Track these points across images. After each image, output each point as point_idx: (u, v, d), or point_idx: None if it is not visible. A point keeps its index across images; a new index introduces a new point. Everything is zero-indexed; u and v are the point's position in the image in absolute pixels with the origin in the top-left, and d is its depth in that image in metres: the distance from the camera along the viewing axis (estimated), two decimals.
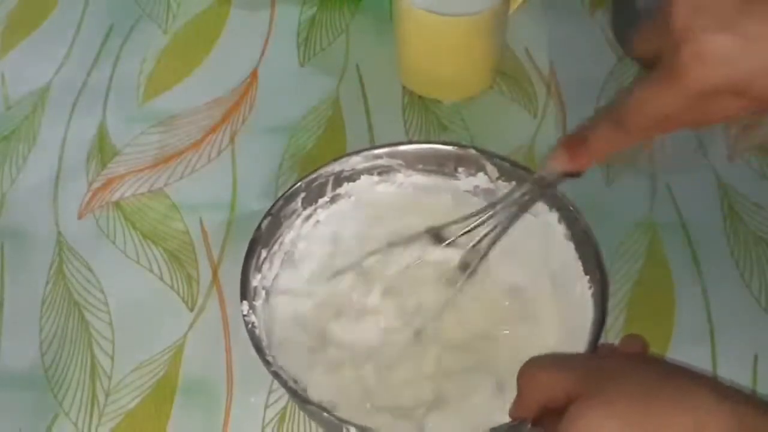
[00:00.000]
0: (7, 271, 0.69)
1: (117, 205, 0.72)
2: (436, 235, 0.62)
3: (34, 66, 0.83)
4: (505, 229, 0.58)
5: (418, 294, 0.61)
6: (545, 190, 0.57)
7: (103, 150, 0.76)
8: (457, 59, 0.76)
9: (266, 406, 0.61)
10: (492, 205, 0.59)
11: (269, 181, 0.73)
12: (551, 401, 0.41)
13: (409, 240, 0.62)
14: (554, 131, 0.76)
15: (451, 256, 0.61)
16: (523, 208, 0.58)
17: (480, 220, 0.59)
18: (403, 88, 0.79)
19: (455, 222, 0.61)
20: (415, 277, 0.62)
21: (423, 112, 0.78)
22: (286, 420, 0.61)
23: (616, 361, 0.44)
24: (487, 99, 0.79)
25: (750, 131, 0.75)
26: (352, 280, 0.62)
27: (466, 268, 0.60)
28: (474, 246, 0.60)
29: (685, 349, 0.62)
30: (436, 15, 0.73)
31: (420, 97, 0.79)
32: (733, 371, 0.61)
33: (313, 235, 0.64)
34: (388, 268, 0.62)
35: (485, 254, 0.59)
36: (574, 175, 0.53)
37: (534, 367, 0.44)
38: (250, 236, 0.60)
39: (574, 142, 0.51)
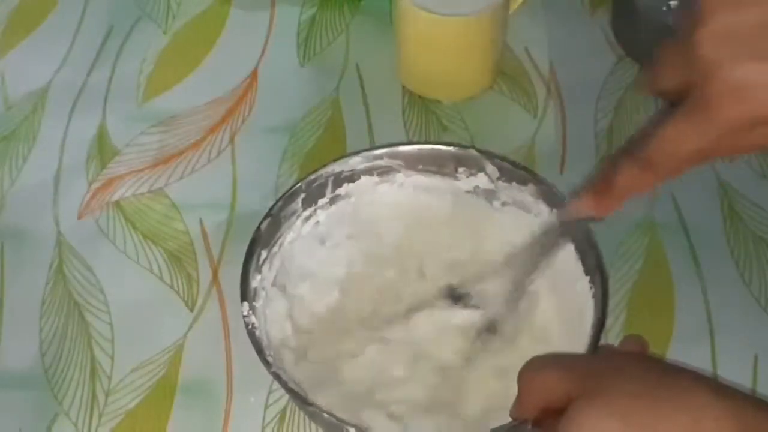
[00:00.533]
0: (7, 271, 0.69)
1: (117, 205, 0.72)
2: (454, 295, 0.61)
3: (34, 66, 0.83)
4: (524, 284, 0.57)
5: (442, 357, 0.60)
6: (563, 235, 0.55)
7: (103, 150, 0.76)
8: (457, 59, 0.76)
9: (266, 406, 0.61)
10: (512, 258, 0.58)
11: (269, 182, 0.73)
12: (551, 401, 0.41)
13: (426, 304, 0.61)
14: (554, 131, 0.76)
15: (473, 317, 0.60)
16: (543, 255, 0.56)
17: (498, 275, 0.58)
18: (403, 88, 0.79)
19: (472, 279, 0.60)
20: (439, 342, 0.60)
21: (423, 112, 0.78)
22: (286, 420, 0.61)
23: (616, 361, 0.44)
24: (487, 99, 0.79)
25: None
26: (375, 352, 0.60)
27: (494, 329, 0.59)
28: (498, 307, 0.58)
29: (685, 349, 0.62)
30: (437, 15, 0.73)
31: (420, 97, 0.79)
32: (733, 371, 0.61)
33: (312, 238, 0.64)
34: (410, 335, 0.61)
35: (512, 311, 0.58)
36: (595, 218, 0.51)
37: (534, 368, 0.44)
38: (250, 236, 0.60)
39: (600, 187, 0.49)
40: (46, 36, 0.85)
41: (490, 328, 0.59)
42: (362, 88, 0.80)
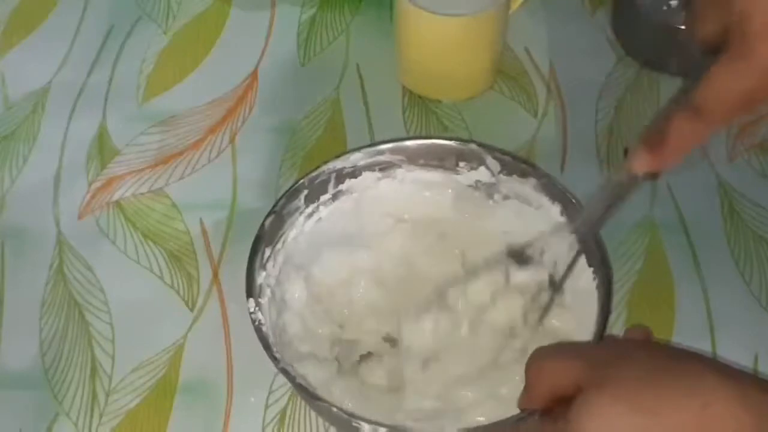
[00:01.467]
0: (7, 271, 0.69)
1: (117, 205, 0.72)
2: (517, 255, 0.60)
3: (34, 66, 0.83)
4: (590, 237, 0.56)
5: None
6: (623, 197, 0.53)
7: (103, 150, 0.76)
8: (458, 59, 0.76)
9: (266, 406, 0.61)
10: (573, 217, 0.58)
11: (269, 181, 0.73)
12: (559, 390, 0.41)
13: (489, 265, 0.61)
14: (554, 131, 0.76)
15: (533, 276, 0.60)
16: (606, 212, 0.54)
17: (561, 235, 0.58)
18: (403, 88, 0.79)
19: (531, 240, 0.60)
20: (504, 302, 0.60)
21: (423, 112, 0.78)
22: (286, 420, 0.61)
23: (623, 348, 0.44)
24: (487, 99, 0.79)
25: (750, 131, 0.75)
26: (435, 315, 0.60)
27: (555, 285, 0.59)
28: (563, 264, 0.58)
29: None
30: (437, 15, 0.73)
31: (420, 97, 0.79)
32: None
33: (317, 232, 0.64)
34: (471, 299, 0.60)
35: (571, 268, 0.57)
36: (654, 176, 0.50)
37: (541, 357, 0.44)
38: (250, 236, 0.60)
39: (654, 140, 0.48)
40: (47, 36, 0.85)
41: (551, 285, 0.59)
42: (362, 88, 0.80)
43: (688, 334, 0.63)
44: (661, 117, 0.48)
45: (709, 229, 0.69)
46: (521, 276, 0.60)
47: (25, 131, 0.78)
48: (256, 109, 0.78)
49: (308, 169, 0.64)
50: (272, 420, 0.61)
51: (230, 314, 0.65)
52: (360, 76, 0.81)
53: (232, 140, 0.76)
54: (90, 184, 0.74)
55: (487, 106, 0.78)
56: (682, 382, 0.39)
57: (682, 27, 0.74)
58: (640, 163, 0.49)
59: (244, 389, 0.62)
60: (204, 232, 0.70)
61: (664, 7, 0.76)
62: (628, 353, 0.43)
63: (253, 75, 0.81)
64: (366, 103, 0.78)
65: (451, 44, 0.75)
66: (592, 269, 0.58)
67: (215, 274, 0.68)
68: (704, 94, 0.45)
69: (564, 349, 0.44)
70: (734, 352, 0.62)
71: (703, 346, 0.63)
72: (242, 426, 0.61)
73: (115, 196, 0.73)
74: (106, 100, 0.80)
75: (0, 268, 0.69)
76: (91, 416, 0.61)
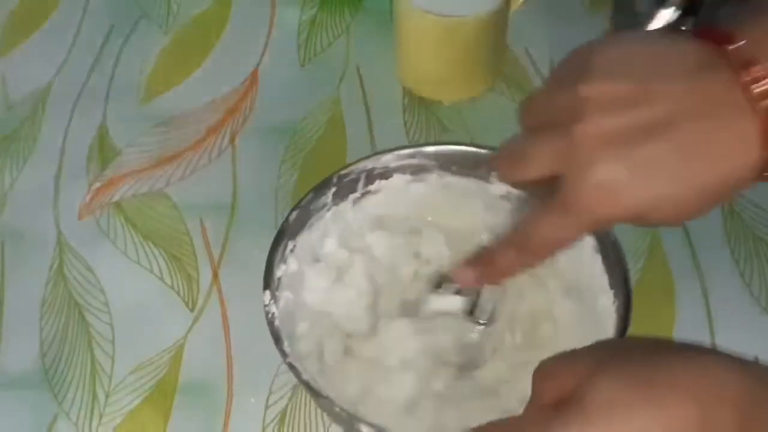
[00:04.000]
0: (7, 271, 0.69)
1: (117, 205, 0.72)
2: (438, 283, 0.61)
3: (34, 66, 0.83)
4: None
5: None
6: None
7: (103, 150, 0.76)
8: (458, 59, 0.77)
9: (266, 407, 0.61)
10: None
11: (270, 182, 0.73)
12: (567, 386, 0.41)
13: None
14: None
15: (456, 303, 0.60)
16: None
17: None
18: (404, 88, 0.80)
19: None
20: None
21: (423, 113, 0.78)
22: (286, 420, 0.61)
23: (622, 341, 0.44)
24: (488, 99, 0.79)
25: None
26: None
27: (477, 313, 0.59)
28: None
29: None
30: (437, 16, 0.73)
31: (420, 97, 0.79)
32: None
33: (340, 232, 0.63)
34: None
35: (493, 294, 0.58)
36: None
37: (546, 362, 0.44)
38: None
39: (482, 262, 0.52)
40: (47, 36, 0.85)
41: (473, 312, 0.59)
42: (362, 88, 0.80)
43: (688, 334, 0.63)
44: (494, 241, 0.52)
45: (709, 229, 0.69)
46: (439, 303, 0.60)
47: (25, 131, 0.78)
48: (256, 109, 0.78)
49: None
50: (272, 420, 0.61)
51: (230, 314, 0.65)
52: (360, 77, 0.81)
53: (232, 140, 0.76)
54: (90, 185, 0.74)
55: (488, 106, 0.78)
56: (683, 356, 0.39)
57: (683, 28, 0.74)
58: (466, 279, 0.53)
59: (244, 389, 0.62)
60: (204, 232, 0.70)
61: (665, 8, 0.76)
62: (629, 341, 0.44)
63: (253, 75, 0.81)
64: (366, 104, 0.78)
65: (452, 45, 0.75)
66: (612, 291, 0.57)
67: (215, 275, 0.68)
68: (529, 234, 0.48)
69: (567, 353, 0.44)
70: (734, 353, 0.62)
71: None
72: (242, 426, 0.61)
73: (116, 197, 0.73)
74: (106, 100, 0.80)
75: (0, 268, 0.69)
76: (91, 416, 0.61)
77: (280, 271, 0.58)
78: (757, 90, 0.42)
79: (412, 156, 0.63)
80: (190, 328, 0.65)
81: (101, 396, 0.62)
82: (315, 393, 0.53)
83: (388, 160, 0.63)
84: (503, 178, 0.50)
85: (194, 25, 0.86)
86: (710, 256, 0.67)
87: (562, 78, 0.46)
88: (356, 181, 0.63)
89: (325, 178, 0.61)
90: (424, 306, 0.60)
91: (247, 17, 0.86)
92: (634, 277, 0.66)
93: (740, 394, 0.38)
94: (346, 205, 0.62)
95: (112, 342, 0.65)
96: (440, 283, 0.61)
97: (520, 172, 0.47)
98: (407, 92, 0.79)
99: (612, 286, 0.57)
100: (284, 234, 0.59)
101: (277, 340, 0.54)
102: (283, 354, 0.54)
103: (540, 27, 0.83)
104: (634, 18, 0.78)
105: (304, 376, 0.53)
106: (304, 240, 0.60)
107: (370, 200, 0.63)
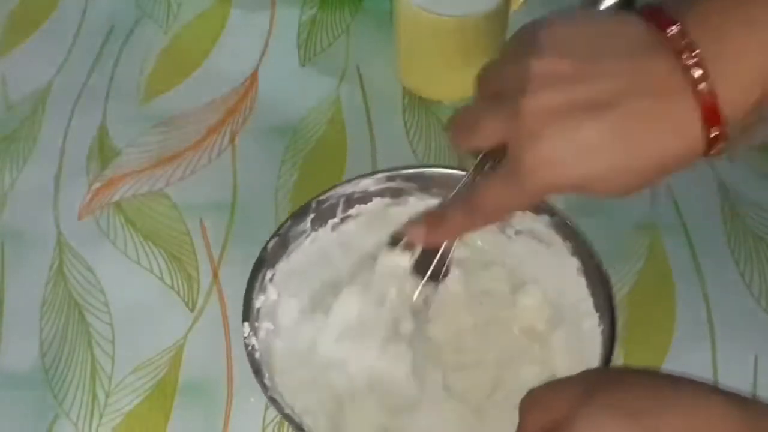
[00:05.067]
0: (7, 271, 0.69)
1: (117, 205, 0.72)
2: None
3: (34, 66, 0.83)
4: None
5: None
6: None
7: (103, 150, 0.76)
8: (458, 59, 0.76)
9: (266, 407, 0.61)
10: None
11: (270, 182, 0.73)
12: (556, 416, 0.41)
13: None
14: None
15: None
16: None
17: None
18: (403, 88, 0.79)
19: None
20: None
21: (423, 113, 0.78)
22: None
23: (617, 369, 0.44)
24: None
25: (749, 131, 0.74)
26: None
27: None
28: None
29: (686, 350, 0.62)
30: (437, 15, 0.73)
31: (420, 97, 0.79)
32: (733, 371, 0.61)
33: (319, 256, 0.62)
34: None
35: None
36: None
37: (534, 391, 0.44)
38: (250, 236, 0.60)
39: (433, 218, 0.54)
40: (47, 37, 0.85)
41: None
42: (362, 88, 0.80)
43: (688, 334, 0.63)
44: (446, 201, 0.54)
45: (710, 229, 0.69)
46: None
47: (25, 132, 0.78)
48: (256, 109, 0.78)
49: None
50: (272, 420, 0.61)
51: (230, 314, 0.65)
52: (360, 77, 0.81)
53: (232, 140, 0.76)
54: (90, 185, 0.74)
55: None
56: (678, 389, 0.39)
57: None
58: (416, 236, 0.55)
59: (245, 389, 0.62)
60: (204, 232, 0.70)
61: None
62: (620, 372, 0.44)
63: (253, 75, 0.81)
64: (366, 103, 0.78)
65: (452, 44, 0.75)
66: (598, 314, 0.56)
67: (215, 275, 0.68)
68: (478, 199, 0.49)
69: (556, 381, 0.44)
70: (734, 353, 0.62)
71: (702, 346, 0.63)
72: (242, 426, 0.61)
73: (116, 197, 0.73)
74: (106, 100, 0.80)
75: (0, 268, 0.69)
76: (91, 416, 0.61)
77: (259, 302, 0.58)
78: (697, 73, 0.43)
79: (391, 179, 0.62)
80: (190, 328, 0.65)
81: (101, 396, 0.62)
82: (297, 427, 0.52)
83: (367, 184, 0.62)
84: (456, 147, 0.51)
85: (194, 25, 0.86)
86: (710, 256, 0.67)
87: (514, 50, 0.48)
88: (335, 206, 0.62)
89: (302, 205, 0.61)
90: (377, 262, 0.60)
91: (247, 17, 0.86)
92: (633, 277, 0.66)
93: (735, 422, 0.38)
94: (325, 231, 0.62)
95: (112, 342, 0.65)
96: (395, 240, 0.60)
97: (471, 141, 0.49)
98: (407, 92, 0.79)
99: (597, 308, 0.57)
100: (263, 263, 0.59)
101: (257, 372, 0.54)
102: (264, 387, 0.53)
103: None
104: None
105: (286, 410, 0.53)
106: (283, 268, 0.60)
107: (348, 225, 0.63)
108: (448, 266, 0.58)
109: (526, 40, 0.47)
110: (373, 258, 0.60)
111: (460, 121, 0.50)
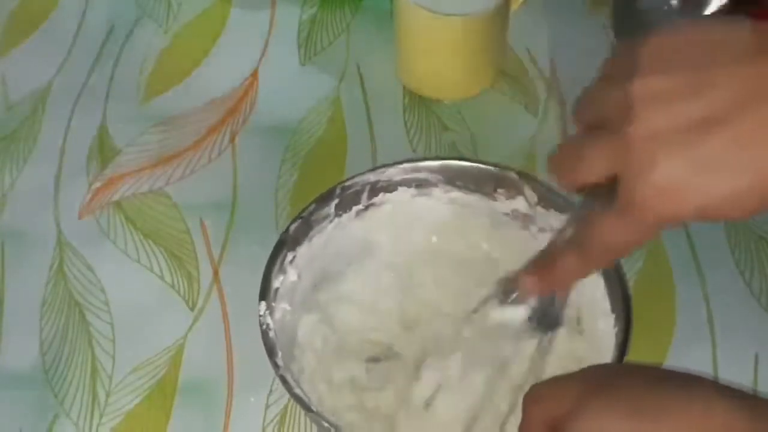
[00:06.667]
0: (7, 271, 0.69)
1: (118, 205, 0.72)
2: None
3: (34, 66, 0.83)
4: None
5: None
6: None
7: (103, 150, 0.76)
8: (458, 59, 0.76)
9: (267, 406, 0.61)
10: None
11: (270, 181, 0.73)
12: (558, 412, 0.41)
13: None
14: (555, 131, 0.76)
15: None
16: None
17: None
18: (404, 88, 0.79)
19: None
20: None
21: (423, 112, 0.78)
22: (287, 420, 0.61)
23: (620, 366, 0.44)
24: (488, 99, 0.79)
25: None
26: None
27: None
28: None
29: (686, 349, 0.62)
30: (437, 14, 0.73)
31: (420, 96, 0.79)
32: (734, 371, 0.61)
33: (345, 243, 0.62)
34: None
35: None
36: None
37: (537, 387, 0.44)
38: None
39: (542, 266, 0.50)
40: (47, 36, 0.85)
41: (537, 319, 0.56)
42: (362, 87, 0.80)
43: (688, 335, 0.63)
44: (553, 244, 0.49)
45: (710, 229, 0.69)
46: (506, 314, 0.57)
47: (25, 131, 0.78)
48: (256, 109, 0.78)
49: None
50: (272, 420, 0.61)
51: (230, 314, 0.65)
52: (360, 76, 0.81)
53: (232, 140, 0.76)
54: (90, 184, 0.74)
55: (488, 106, 0.78)
56: (682, 390, 0.39)
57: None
58: (530, 285, 0.50)
59: (245, 389, 0.62)
60: (204, 232, 0.70)
61: (665, 7, 0.76)
62: (622, 368, 0.43)
63: (253, 75, 0.81)
64: (366, 103, 0.78)
65: (452, 44, 0.75)
66: (614, 315, 0.56)
67: (216, 274, 0.68)
68: (591, 239, 0.45)
69: (560, 377, 0.44)
70: (734, 352, 0.62)
71: (703, 346, 0.63)
72: (242, 426, 0.61)
73: (116, 196, 0.73)
74: (106, 100, 0.80)
75: (0, 268, 0.69)
76: (92, 416, 0.61)
77: (277, 282, 0.57)
78: None
79: (416, 170, 0.62)
80: (190, 327, 0.65)
81: (101, 395, 0.62)
82: (305, 407, 0.52)
83: (392, 173, 0.62)
84: (561, 184, 0.47)
85: (194, 25, 0.86)
86: (710, 256, 0.67)
87: (613, 72, 0.44)
88: (360, 193, 0.62)
89: (328, 189, 0.61)
90: (487, 317, 0.58)
91: (247, 17, 0.86)
92: (633, 277, 0.66)
93: (741, 427, 0.38)
94: (349, 217, 0.62)
95: (113, 341, 0.65)
96: (507, 290, 0.57)
97: (575, 176, 0.45)
98: (407, 91, 0.79)
99: (614, 309, 0.56)
100: (284, 244, 0.58)
101: (271, 352, 0.54)
102: (276, 366, 0.54)
103: (541, 27, 0.83)
104: (634, 15, 0.78)
105: (295, 390, 0.53)
106: (304, 251, 0.60)
107: (374, 215, 0.62)
108: (560, 315, 0.55)
109: (625, 59, 0.44)
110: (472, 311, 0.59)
111: (562, 155, 0.45)
